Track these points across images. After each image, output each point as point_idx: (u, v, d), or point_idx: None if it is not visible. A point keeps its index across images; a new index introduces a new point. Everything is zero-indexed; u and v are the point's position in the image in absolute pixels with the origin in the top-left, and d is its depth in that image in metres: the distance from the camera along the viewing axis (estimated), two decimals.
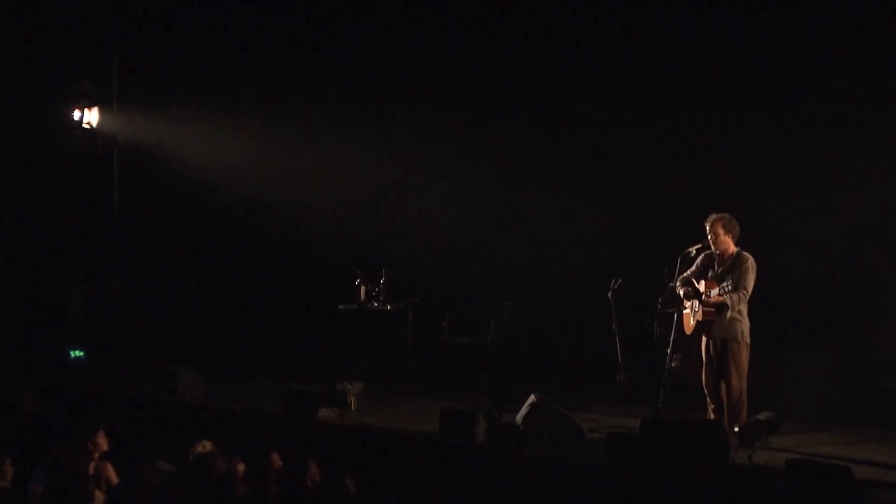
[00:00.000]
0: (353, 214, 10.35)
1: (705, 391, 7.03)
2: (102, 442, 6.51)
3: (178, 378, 8.08)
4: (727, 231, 6.93)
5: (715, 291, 6.79)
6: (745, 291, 6.84)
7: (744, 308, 6.88)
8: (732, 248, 6.99)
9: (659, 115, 8.82)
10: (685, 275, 7.17)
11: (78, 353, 9.51)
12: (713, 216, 6.96)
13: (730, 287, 6.73)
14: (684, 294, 7.06)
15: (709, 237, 6.95)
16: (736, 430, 6.57)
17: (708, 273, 7.04)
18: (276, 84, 10.23)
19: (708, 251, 7.08)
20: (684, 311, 7.16)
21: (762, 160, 8.45)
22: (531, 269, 9.58)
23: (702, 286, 6.98)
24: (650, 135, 8.89)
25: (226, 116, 10.44)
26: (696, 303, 7.00)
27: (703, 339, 7.06)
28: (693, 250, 7.09)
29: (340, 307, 9.21)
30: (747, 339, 6.89)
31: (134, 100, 10.73)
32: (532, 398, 6.86)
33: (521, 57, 9.46)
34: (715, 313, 6.86)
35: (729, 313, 6.81)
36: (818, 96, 8.06)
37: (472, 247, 9.90)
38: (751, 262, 6.88)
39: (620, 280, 8.10)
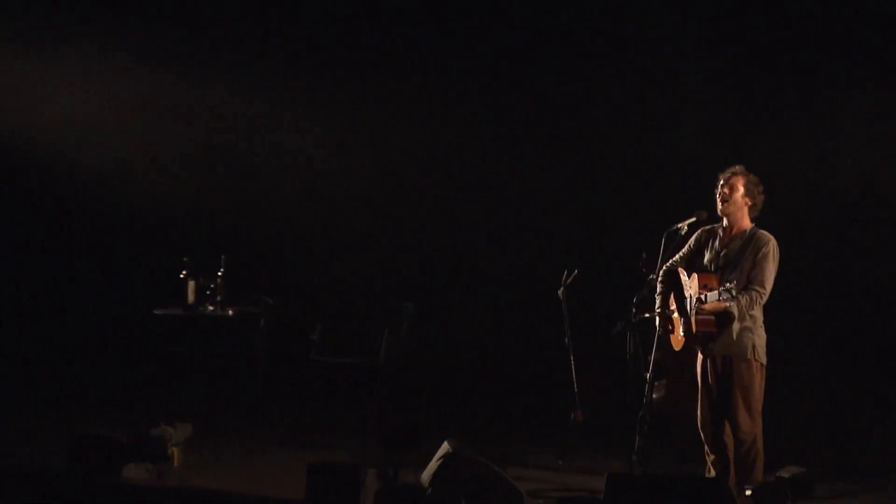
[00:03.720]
0: (179, 174, 10.41)
1: (701, 435, 6.85)
2: None
3: None
4: (748, 193, 6.76)
5: (712, 295, 6.52)
6: (762, 290, 6.60)
7: (759, 314, 6.64)
8: (747, 223, 6.80)
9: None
10: (671, 262, 7.01)
11: None
12: (737, 167, 6.79)
13: (735, 284, 6.41)
14: (665, 292, 6.94)
15: (718, 194, 6.78)
16: (748, 492, 6.51)
17: (704, 256, 6.87)
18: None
19: (707, 227, 6.92)
20: (672, 318, 6.98)
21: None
22: (444, 258, 9.80)
23: (693, 281, 6.76)
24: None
25: None
26: (688, 306, 6.80)
27: (699, 358, 6.84)
28: (685, 226, 6.92)
29: (157, 312, 9.11)
30: (762, 357, 6.66)
31: None
32: (445, 447, 6.81)
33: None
34: (715, 322, 6.64)
35: (738, 323, 6.58)
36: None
37: (357, 225, 10.10)
38: (772, 245, 6.67)
39: (576, 271, 8.00)
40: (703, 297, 6.62)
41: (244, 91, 10.34)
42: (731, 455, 6.71)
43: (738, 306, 6.51)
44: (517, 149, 9.91)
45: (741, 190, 6.74)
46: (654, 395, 7.13)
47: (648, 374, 6.91)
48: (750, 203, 6.75)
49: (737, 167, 6.79)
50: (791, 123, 9.05)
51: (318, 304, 9.49)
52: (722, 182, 6.76)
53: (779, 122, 9.10)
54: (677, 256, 7.00)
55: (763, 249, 6.63)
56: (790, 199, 8.30)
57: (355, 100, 10.18)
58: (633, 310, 7.14)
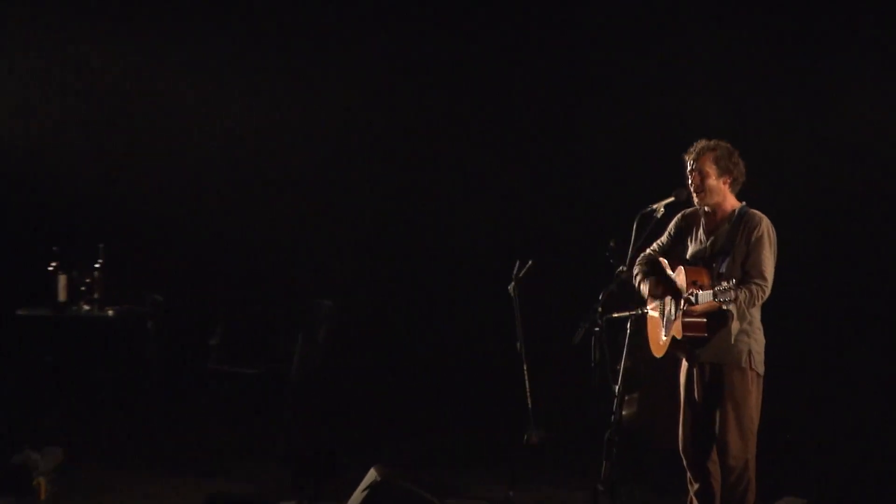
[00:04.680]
0: (47, 146, 10.15)
1: (683, 460, 6.65)
2: None
3: None
4: (723, 172, 6.47)
5: (705, 295, 6.28)
6: (762, 283, 6.30)
7: (756, 313, 6.45)
8: (732, 203, 6.56)
9: None
10: (648, 251, 6.81)
11: None
12: (700, 144, 6.58)
13: (733, 282, 6.15)
14: (642, 284, 6.75)
15: (689, 181, 6.59)
16: None
17: (687, 244, 6.69)
18: None
19: (689, 210, 6.72)
20: (649, 316, 6.81)
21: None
22: (372, 246, 9.83)
23: (680, 276, 6.55)
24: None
25: None
26: (671, 305, 6.64)
27: (683, 366, 6.65)
28: (661, 207, 6.65)
29: (21, 313, 9.01)
30: (760, 366, 6.45)
31: None
32: (373, 474, 6.73)
33: None
34: (705, 326, 6.42)
35: (735, 324, 6.39)
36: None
37: (267, 208, 10.00)
38: (766, 226, 6.39)
39: (530, 262, 7.85)
40: (692, 296, 6.36)
41: (125, 45, 10.09)
42: (717, 485, 6.56)
43: (737, 305, 6.30)
44: (458, 116, 9.85)
45: (713, 172, 6.55)
46: (624, 412, 7.05)
47: (618, 387, 6.68)
48: (729, 181, 6.56)
49: (700, 143, 6.61)
50: (797, 92, 8.95)
51: (217, 303, 9.46)
52: (689, 168, 6.59)
53: (780, 85, 8.99)
54: (655, 245, 6.81)
55: (756, 232, 6.44)
56: (795, 183, 8.33)
57: (262, 63, 10.06)
58: (599, 309, 6.82)
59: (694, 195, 6.55)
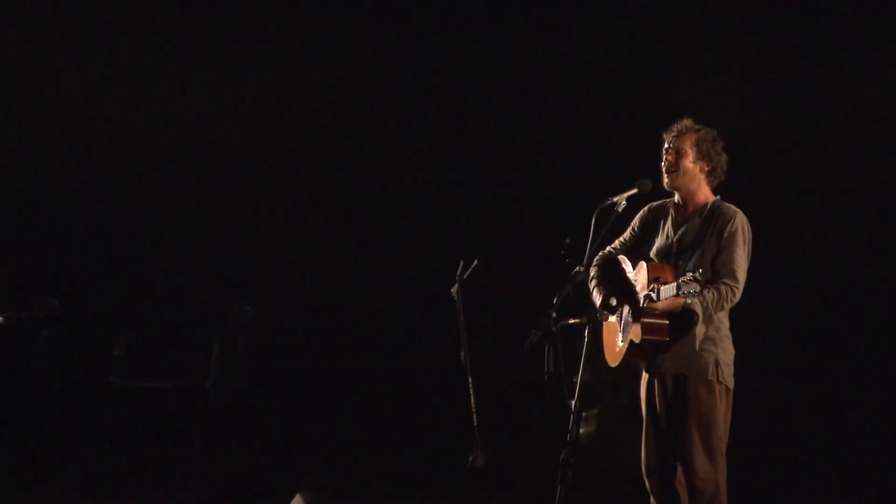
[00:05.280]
0: None
1: (646, 483, 6.42)
2: None
3: None
4: (703, 156, 6.37)
5: (667, 290, 6.11)
6: (733, 283, 6.21)
7: (725, 319, 6.28)
8: (706, 195, 6.41)
9: None
10: (608, 249, 6.62)
11: None
12: (684, 122, 6.45)
13: (699, 273, 6.02)
14: (599, 290, 6.52)
15: (663, 162, 6.42)
16: None
17: (654, 240, 6.51)
18: None
19: (656, 203, 6.54)
20: (608, 321, 6.56)
21: None
22: (297, 245, 9.71)
23: (641, 273, 6.36)
24: None
25: None
26: (627, 307, 6.40)
27: (643, 377, 6.43)
28: (623, 200, 6.39)
29: None
30: (729, 379, 6.26)
31: None
32: (299, 501, 6.74)
33: None
34: (667, 328, 6.22)
35: (700, 328, 6.19)
36: None
37: (179, 202, 9.80)
38: (740, 222, 6.28)
39: (476, 262, 7.89)
40: (653, 292, 6.17)
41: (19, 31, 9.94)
42: None
43: (702, 305, 6.13)
44: (390, 100, 9.78)
45: (691, 153, 6.38)
46: (581, 430, 7.10)
47: (574, 402, 6.31)
48: (707, 168, 6.38)
49: (685, 122, 6.45)
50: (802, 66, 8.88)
51: (122, 309, 9.36)
52: (666, 146, 6.43)
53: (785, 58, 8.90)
54: (616, 243, 6.62)
55: (729, 227, 6.26)
56: (782, 179, 8.30)
57: (175, 40, 9.86)
58: (553, 314, 6.58)
59: (664, 176, 6.37)
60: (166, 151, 9.90)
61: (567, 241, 6.87)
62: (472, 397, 7.85)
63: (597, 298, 6.53)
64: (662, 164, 6.42)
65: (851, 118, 8.76)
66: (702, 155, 6.36)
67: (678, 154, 6.37)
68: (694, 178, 6.36)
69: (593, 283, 6.58)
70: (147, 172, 9.87)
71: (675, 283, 6.06)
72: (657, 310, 6.15)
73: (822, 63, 8.86)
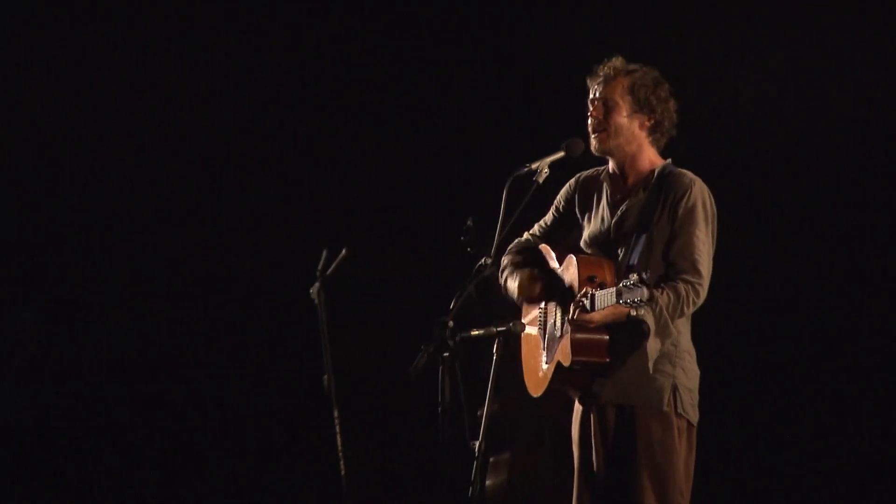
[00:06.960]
0: None
1: None
2: None
3: None
4: (641, 107, 6.02)
5: (605, 296, 5.79)
6: (695, 280, 5.87)
7: (685, 328, 5.97)
8: (652, 160, 6.08)
9: None
10: (526, 235, 6.36)
11: None
12: (614, 62, 6.12)
13: (648, 273, 5.63)
14: (510, 280, 6.32)
15: (588, 117, 6.04)
16: None
17: (585, 228, 6.22)
18: None
19: (587, 172, 6.23)
20: (525, 334, 6.32)
21: None
22: (108, 236, 9.35)
23: (569, 270, 6.01)
24: None
25: None
26: (557, 315, 6.06)
27: (576, 409, 6.10)
28: (545, 167, 6.10)
29: None
30: (690, 411, 5.94)
31: None
32: None
33: None
34: (606, 347, 5.87)
35: (652, 344, 5.85)
36: None
37: None
38: (700, 194, 5.96)
39: (344, 252, 7.68)
40: (586, 298, 5.68)
41: None
42: None
43: (654, 313, 5.74)
44: (245, 61, 9.34)
45: (625, 106, 6.01)
46: (488, 481, 7.30)
47: (478, 443, 5.98)
48: (649, 123, 6.00)
49: (614, 62, 6.08)
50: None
51: None
52: (591, 96, 6.07)
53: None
54: (535, 227, 6.29)
55: (685, 202, 5.86)
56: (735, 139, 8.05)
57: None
58: (450, 323, 5.98)
59: (591, 137, 5.89)
60: None
61: (468, 222, 6.26)
62: (338, 436, 7.52)
63: (511, 286, 6.15)
64: (588, 117, 5.99)
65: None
66: (640, 106, 5.96)
67: (606, 107, 5.96)
68: (631, 138, 6.00)
69: (506, 272, 6.18)
70: None
71: (614, 289, 5.59)
72: (592, 322, 5.69)
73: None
